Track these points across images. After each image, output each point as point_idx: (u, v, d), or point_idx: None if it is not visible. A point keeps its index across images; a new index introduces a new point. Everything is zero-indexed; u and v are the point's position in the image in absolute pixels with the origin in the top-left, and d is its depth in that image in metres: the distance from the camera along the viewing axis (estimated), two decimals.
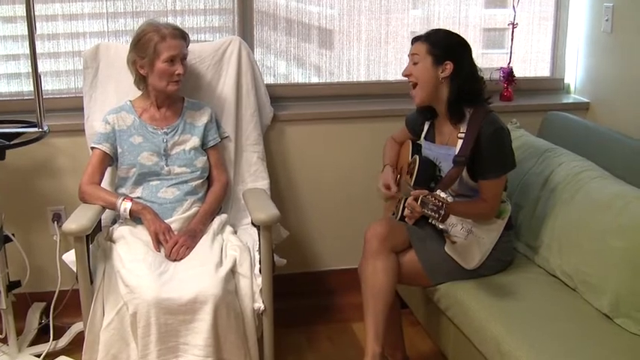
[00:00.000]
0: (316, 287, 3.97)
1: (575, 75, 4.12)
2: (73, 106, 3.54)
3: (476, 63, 2.99)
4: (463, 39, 3.01)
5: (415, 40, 3.02)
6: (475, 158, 2.90)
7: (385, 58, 4.00)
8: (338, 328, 3.72)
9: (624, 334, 2.64)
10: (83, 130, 3.40)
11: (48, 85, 3.57)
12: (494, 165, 2.92)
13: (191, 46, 3.27)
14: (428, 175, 3.03)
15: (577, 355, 2.50)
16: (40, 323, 3.52)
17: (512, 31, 3.98)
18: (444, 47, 2.93)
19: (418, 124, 3.21)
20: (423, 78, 2.95)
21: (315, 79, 4.00)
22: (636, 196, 2.80)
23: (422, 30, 3.10)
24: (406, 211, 2.72)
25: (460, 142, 2.93)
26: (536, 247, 3.16)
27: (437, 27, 3.43)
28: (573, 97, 4.11)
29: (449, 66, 2.91)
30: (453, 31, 3.08)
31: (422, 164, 3.02)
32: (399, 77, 3.70)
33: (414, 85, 2.99)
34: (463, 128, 2.94)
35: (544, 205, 3.17)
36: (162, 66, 3.08)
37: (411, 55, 3.00)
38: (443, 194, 2.58)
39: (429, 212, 2.58)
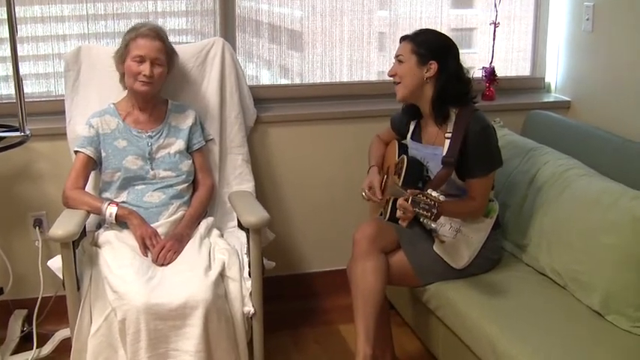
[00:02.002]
0: (302, 289, 3.95)
1: (555, 74, 4.13)
2: (54, 110, 3.47)
3: (463, 64, 2.99)
4: (449, 40, 3.02)
5: (402, 39, 3.03)
6: (463, 157, 2.90)
7: (367, 58, 3.99)
8: (325, 330, 3.69)
9: (616, 330, 2.66)
10: (64, 134, 3.35)
11: (27, 88, 3.50)
12: (482, 163, 2.93)
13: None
14: (416, 175, 3.02)
15: (571, 352, 2.51)
16: (22, 331, 3.46)
17: (494, 31, 3.98)
18: (429, 47, 2.94)
19: (403, 124, 3.21)
20: (407, 77, 2.95)
21: (297, 81, 3.98)
22: (624, 193, 2.81)
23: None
24: (399, 213, 2.70)
25: (447, 142, 2.93)
26: (524, 245, 3.17)
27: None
28: (554, 96, 4.12)
29: (433, 66, 2.91)
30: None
31: (410, 164, 3.02)
32: (382, 77, 3.70)
33: (398, 83, 2.99)
34: (450, 128, 2.94)
35: (531, 204, 3.18)
36: (131, 64, 3.05)
37: (397, 55, 3.00)
38: (434, 193, 2.57)
39: (421, 211, 2.57)
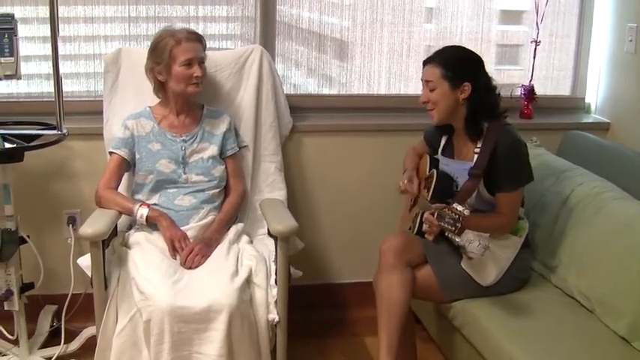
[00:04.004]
0: (330, 300, 3.95)
1: (596, 94, 4.09)
2: (91, 110, 3.52)
3: (489, 74, 2.97)
4: (474, 54, 2.98)
5: (426, 62, 2.99)
6: (492, 171, 2.88)
7: (406, 72, 3.97)
8: (351, 342, 3.68)
9: None
10: (101, 134, 3.39)
11: (68, 87, 3.55)
12: (511, 177, 2.91)
13: (211, 54, 3.26)
14: (445, 190, 3.01)
15: None
16: (51, 326, 3.51)
17: (535, 49, 3.95)
18: (459, 69, 2.91)
19: (435, 138, 3.21)
20: (442, 103, 2.93)
21: (335, 91, 3.99)
22: None
23: (440, 45, 3.06)
24: (425, 227, 2.71)
25: (477, 156, 2.92)
26: (554, 266, 3.14)
27: (451, 42, 3.43)
28: (594, 117, 4.08)
29: (467, 87, 2.89)
30: (462, 45, 3.07)
31: (439, 179, 3.01)
32: (419, 91, 3.68)
33: (432, 108, 2.97)
34: (480, 142, 2.93)
35: (562, 225, 3.15)
36: (180, 70, 3.07)
37: (426, 81, 2.96)
38: (459, 207, 2.57)
39: (446, 225, 2.57)
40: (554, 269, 3.13)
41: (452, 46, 3.07)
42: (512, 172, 2.90)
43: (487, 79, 2.95)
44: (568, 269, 3.05)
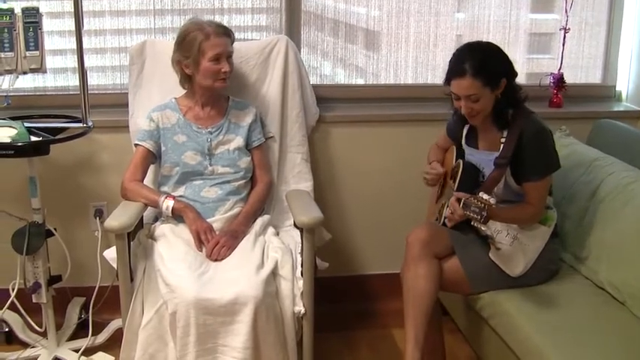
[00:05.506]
0: (357, 291, 3.94)
1: (627, 82, 4.03)
2: (117, 102, 3.53)
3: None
4: (493, 46, 2.90)
5: (456, 77, 2.82)
6: (518, 160, 2.85)
7: (433, 61, 3.94)
8: (378, 334, 3.67)
9: None
10: (127, 127, 3.40)
11: (93, 81, 3.56)
12: (538, 166, 2.87)
13: (237, 45, 3.25)
14: (471, 180, 2.98)
15: None
16: (79, 318, 3.53)
17: (564, 36, 3.89)
18: (494, 71, 2.82)
19: (457, 129, 3.16)
20: (487, 108, 2.86)
21: (361, 81, 3.97)
22: None
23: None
24: (447, 212, 2.69)
25: (502, 146, 2.89)
26: (584, 258, 3.09)
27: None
28: (625, 105, 4.02)
29: (504, 82, 2.83)
30: (479, 40, 2.98)
31: (465, 169, 2.98)
32: None
33: (476, 114, 2.89)
34: (505, 132, 2.89)
35: (592, 216, 3.10)
36: (208, 65, 3.05)
37: (466, 95, 2.82)
38: (485, 196, 2.55)
39: (471, 214, 2.56)
40: (584, 261, 3.09)
41: (471, 50, 2.88)
42: (538, 161, 2.86)
43: (510, 64, 2.89)
44: (598, 261, 3.00)
